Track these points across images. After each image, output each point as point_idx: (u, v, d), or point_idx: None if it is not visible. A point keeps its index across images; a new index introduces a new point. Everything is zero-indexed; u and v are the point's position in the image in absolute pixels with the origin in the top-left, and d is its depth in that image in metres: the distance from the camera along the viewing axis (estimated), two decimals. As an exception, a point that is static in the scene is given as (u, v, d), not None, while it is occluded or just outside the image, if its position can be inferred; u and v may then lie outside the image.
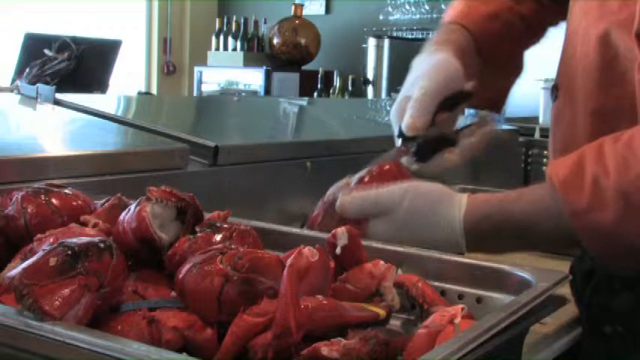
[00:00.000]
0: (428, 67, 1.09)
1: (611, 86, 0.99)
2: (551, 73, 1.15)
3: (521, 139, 2.55)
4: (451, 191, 0.98)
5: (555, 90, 1.12)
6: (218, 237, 0.77)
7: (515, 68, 1.27)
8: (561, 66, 1.11)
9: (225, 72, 5.56)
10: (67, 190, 0.91)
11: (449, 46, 1.12)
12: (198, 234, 0.77)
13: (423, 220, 0.95)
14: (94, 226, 0.84)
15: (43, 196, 0.87)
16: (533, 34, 1.28)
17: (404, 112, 1.07)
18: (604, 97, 1.00)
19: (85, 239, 0.68)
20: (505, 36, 1.22)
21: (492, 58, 1.19)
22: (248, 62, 5.49)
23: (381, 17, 5.23)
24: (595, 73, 1.00)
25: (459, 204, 0.96)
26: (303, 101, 2.45)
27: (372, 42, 4.92)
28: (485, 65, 1.19)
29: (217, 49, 5.72)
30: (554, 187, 0.90)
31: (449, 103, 1.09)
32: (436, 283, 0.84)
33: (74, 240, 0.67)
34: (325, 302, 0.69)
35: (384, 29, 5.18)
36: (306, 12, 5.56)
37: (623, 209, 0.85)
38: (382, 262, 0.80)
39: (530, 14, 1.24)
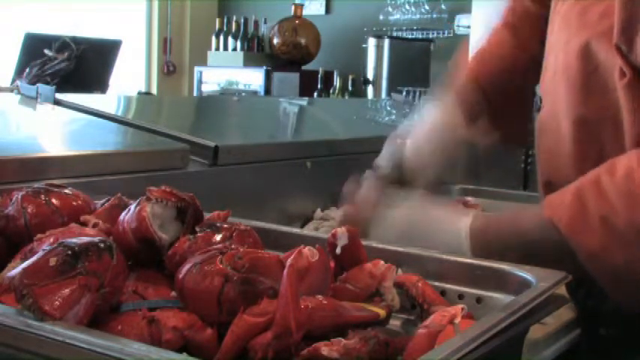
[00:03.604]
0: (420, 133, 1.20)
1: (593, 95, 1.00)
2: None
3: (521, 139, 2.55)
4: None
5: (539, 101, 1.13)
6: (218, 237, 0.77)
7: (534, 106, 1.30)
8: (545, 76, 1.12)
9: (225, 72, 5.55)
10: (67, 190, 0.91)
11: (457, 109, 1.20)
12: (198, 234, 0.77)
13: (426, 222, 0.99)
14: (94, 226, 0.84)
15: (43, 196, 0.87)
16: None
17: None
18: (586, 106, 1.01)
19: (85, 239, 0.68)
20: (522, 85, 1.26)
21: (511, 105, 1.25)
22: (248, 62, 5.48)
23: (381, 17, 5.22)
24: (577, 83, 1.02)
25: (467, 216, 1.01)
26: (303, 101, 2.45)
27: (372, 42, 4.91)
28: (504, 108, 1.24)
29: (217, 49, 5.71)
30: (560, 230, 0.90)
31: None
32: (436, 283, 0.84)
33: (74, 240, 0.67)
34: (325, 302, 0.69)
35: (384, 29, 5.17)
36: (306, 12, 5.55)
37: (638, 245, 0.85)
38: (382, 262, 0.80)
39: (539, 52, 1.22)
